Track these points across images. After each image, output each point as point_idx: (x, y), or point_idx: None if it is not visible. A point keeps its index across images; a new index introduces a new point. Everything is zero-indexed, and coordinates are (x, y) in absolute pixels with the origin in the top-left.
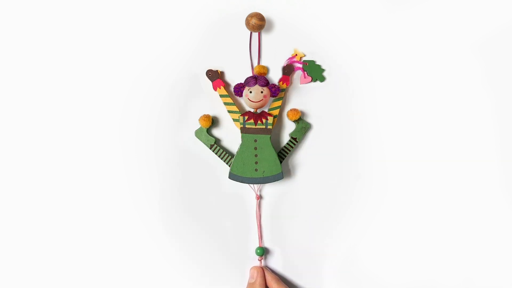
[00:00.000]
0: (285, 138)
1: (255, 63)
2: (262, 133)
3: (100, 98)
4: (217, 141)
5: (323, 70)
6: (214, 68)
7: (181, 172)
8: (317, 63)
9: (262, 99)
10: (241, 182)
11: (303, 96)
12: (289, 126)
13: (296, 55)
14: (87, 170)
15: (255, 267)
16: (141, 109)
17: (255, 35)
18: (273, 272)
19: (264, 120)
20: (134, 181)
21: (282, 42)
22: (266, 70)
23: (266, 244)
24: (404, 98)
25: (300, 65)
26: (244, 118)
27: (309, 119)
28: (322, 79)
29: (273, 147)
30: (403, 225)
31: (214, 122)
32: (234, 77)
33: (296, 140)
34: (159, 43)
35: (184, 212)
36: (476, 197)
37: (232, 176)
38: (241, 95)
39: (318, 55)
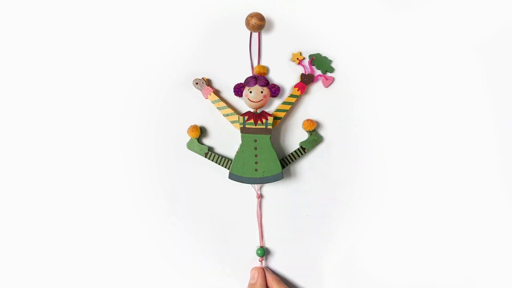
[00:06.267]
0: (288, 142)
1: (255, 63)
2: (262, 133)
3: (100, 98)
4: (210, 148)
5: (331, 61)
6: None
7: (181, 172)
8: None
9: (262, 99)
10: (241, 182)
11: (302, 96)
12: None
13: (298, 58)
14: (87, 170)
15: (256, 267)
16: (141, 109)
17: (255, 35)
18: (274, 272)
19: (264, 120)
20: (133, 182)
21: (282, 42)
22: (266, 70)
23: (267, 244)
24: (405, 99)
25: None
26: (244, 118)
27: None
28: (332, 70)
29: (273, 147)
30: (403, 225)
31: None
32: (234, 77)
33: (304, 150)
34: (159, 43)
35: (185, 213)
36: (476, 197)
37: (232, 176)
38: (241, 95)
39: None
